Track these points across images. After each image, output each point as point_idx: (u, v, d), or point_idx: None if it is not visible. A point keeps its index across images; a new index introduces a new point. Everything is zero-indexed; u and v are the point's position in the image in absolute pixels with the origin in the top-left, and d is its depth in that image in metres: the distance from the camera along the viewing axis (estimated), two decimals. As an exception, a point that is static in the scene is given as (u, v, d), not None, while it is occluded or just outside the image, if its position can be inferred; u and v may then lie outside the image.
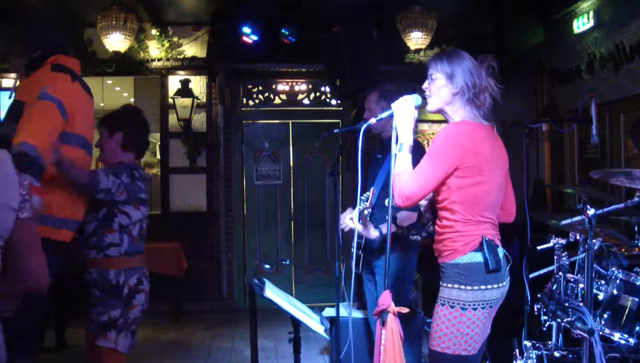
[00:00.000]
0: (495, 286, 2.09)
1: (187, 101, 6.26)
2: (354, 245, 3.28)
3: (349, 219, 3.10)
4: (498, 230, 2.22)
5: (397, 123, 2.24)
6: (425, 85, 2.29)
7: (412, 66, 6.18)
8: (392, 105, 2.27)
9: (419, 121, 2.30)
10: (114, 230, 2.71)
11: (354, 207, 3.50)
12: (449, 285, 2.11)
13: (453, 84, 2.19)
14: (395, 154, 2.21)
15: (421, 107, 2.29)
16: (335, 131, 3.30)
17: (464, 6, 5.80)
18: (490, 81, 2.22)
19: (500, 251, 2.15)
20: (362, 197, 3.06)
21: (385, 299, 2.14)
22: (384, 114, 2.32)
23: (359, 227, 3.06)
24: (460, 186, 2.10)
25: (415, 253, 3.22)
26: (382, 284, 3.08)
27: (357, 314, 3.66)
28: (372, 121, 2.35)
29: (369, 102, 3.30)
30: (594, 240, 2.69)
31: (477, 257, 2.09)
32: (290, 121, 6.86)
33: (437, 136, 2.16)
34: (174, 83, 6.45)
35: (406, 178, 2.12)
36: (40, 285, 1.58)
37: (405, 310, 2.17)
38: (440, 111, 2.27)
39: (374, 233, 3.06)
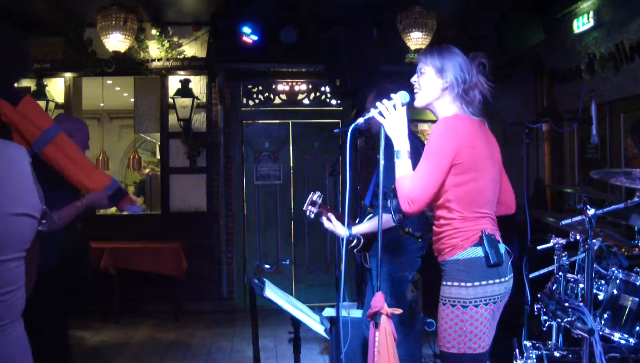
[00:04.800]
0: (497, 281, 2.04)
1: (187, 101, 6.26)
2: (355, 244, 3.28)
3: (309, 205, 3.10)
4: (497, 226, 2.18)
5: (387, 130, 2.16)
6: (414, 78, 2.24)
7: (412, 66, 6.15)
8: (378, 104, 2.18)
9: (419, 121, 2.28)
10: None
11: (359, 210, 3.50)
12: (449, 283, 2.07)
13: (443, 78, 2.15)
14: (379, 159, 2.16)
15: (410, 104, 2.21)
16: (335, 131, 3.30)
17: (464, 6, 5.79)
18: (481, 79, 2.17)
19: (502, 246, 2.12)
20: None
21: (378, 301, 2.11)
22: (371, 114, 2.21)
23: (328, 225, 3.06)
24: (456, 184, 2.05)
25: (415, 254, 3.22)
26: (375, 285, 3.09)
27: (357, 314, 3.65)
28: (360, 120, 2.24)
29: (367, 102, 3.31)
30: (594, 240, 2.68)
31: (478, 252, 2.04)
32: (290, 121, 6.86)
33: (432, 131, 2.10)
34: (174, 83, 6.45)
35: (408, 182, 2.06)
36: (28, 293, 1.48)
37: (398, 310, 2.15)
38: (428, 107, 2.22)
39: (342, 232, 3.02)
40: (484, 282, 2.03)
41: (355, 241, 3.17)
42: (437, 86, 2.17)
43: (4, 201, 1.31)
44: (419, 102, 2.22)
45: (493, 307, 2.05)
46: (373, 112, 2.20)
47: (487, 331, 2.05)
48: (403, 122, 2.16)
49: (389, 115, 2.16)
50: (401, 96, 2.18)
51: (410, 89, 2.25)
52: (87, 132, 3.46)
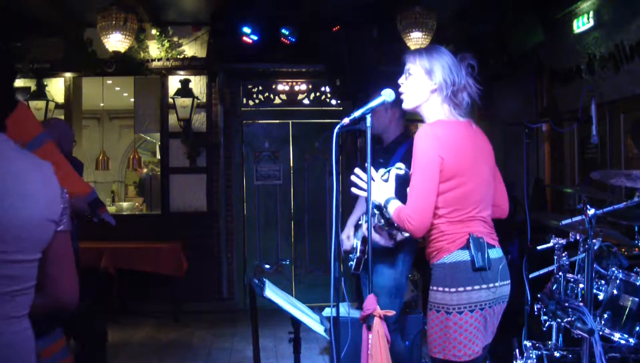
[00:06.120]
0: (484, 286, 1.98)
1: (187, 101, 6.26)
2: (355, 247, 3.28)
3: (347, 239, 3.13)
4: (492, 228, 2.12)
5: (373, 199, 2.19)
6: (401, 80, 2.18)
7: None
8: (353, 177, 2.27)
9: (420, 122, 2.26)
10: None
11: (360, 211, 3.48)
12: (434, 288, 2.03)
13: (431, 80, 2.10)
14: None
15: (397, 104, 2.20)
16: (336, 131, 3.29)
17: (464, 6, 5.79)
18: (470, 80, 2.13)
19: (496, 252, 2.06)
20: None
21: (371, 304, 2.08)
22: (357, 113, 2.15)
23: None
24: (442, 191, 2.01)
25: (409, 255, 3.22)
26: (380, 285, 3.09)
27: (357, 314, 3.65)
28: (345, 121, 2.18)
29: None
30: (594, 240, 2.68)
31: (464, 255, 1.99)
32: (290, 121, 6.86)
33: (415, 142, 2.05)
34: (174, 83, 6.45)
35: (402, 205, 2.07)
36: (67, 298, 1.55)
37: (391, 312, 2.13)
38: (416, 109, 2.18)
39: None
40: (468, 288, 1.97)
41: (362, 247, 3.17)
42: (425, 87, 2.12)
43: (39, 212, 1.44)
44: (407, 105, 2.19)
45: (480, 314, 1.99)
46: (354, 179, 2.29)
47: (474, 339, 1.98)
48: (389, 189, 2.20)
49: (372, 187, 2.18)
50: (387, 94, 2.14)
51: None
52: (72, 135, 4.15)
